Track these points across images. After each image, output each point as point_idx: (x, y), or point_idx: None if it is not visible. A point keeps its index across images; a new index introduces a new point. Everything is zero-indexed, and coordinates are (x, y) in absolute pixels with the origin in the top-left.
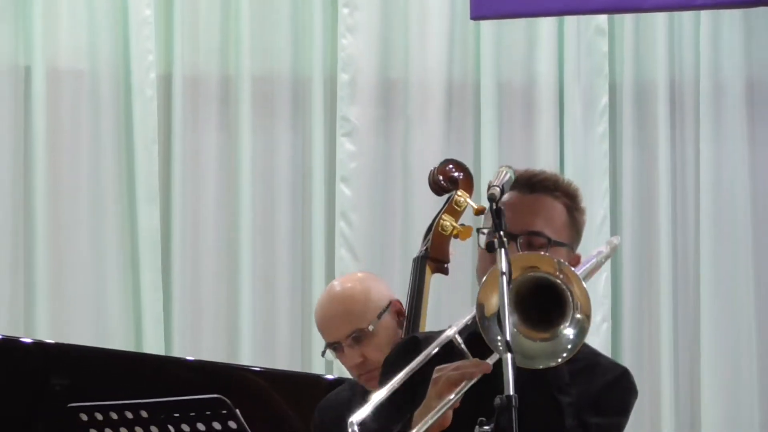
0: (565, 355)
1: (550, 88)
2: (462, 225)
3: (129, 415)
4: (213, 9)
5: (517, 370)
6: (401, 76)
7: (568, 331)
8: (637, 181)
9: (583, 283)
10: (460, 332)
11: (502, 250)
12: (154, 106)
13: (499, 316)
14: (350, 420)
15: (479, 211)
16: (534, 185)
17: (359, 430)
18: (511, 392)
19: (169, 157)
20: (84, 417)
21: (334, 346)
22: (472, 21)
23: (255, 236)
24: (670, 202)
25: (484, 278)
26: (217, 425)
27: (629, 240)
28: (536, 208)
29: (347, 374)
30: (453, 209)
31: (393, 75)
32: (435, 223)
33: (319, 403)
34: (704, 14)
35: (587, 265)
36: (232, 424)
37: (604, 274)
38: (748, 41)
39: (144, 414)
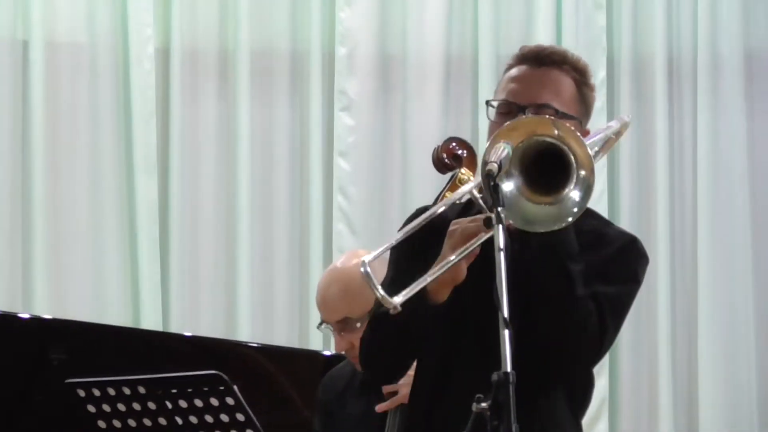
0: (570, 218)
1: None
2: None
3: (126, 390)
4: None
5: (527, 239)
6: (399, 50)
7: (574, 194)
8: (635, 154)
9: (581, 139)
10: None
11: (500, 226)
12: (152, 80)
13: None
14: (362, 260)
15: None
16: (542, 59)
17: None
18: (509, 369)
19: (167, 130)
20: (81, 393)
21: (327, 324)
22: None
23: (253, 210)
24: (668, 176)
25: (492, 137)
26: (214, 401)
27: (627, 213)
28: (544, 81)
29: None
30: (456, 187)
31: (391, 49)
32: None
33: (321, 379)
34: None
35: (595, 138)
36: (230, 400)
37: None
38: (746, 15)
39: (141, 390)
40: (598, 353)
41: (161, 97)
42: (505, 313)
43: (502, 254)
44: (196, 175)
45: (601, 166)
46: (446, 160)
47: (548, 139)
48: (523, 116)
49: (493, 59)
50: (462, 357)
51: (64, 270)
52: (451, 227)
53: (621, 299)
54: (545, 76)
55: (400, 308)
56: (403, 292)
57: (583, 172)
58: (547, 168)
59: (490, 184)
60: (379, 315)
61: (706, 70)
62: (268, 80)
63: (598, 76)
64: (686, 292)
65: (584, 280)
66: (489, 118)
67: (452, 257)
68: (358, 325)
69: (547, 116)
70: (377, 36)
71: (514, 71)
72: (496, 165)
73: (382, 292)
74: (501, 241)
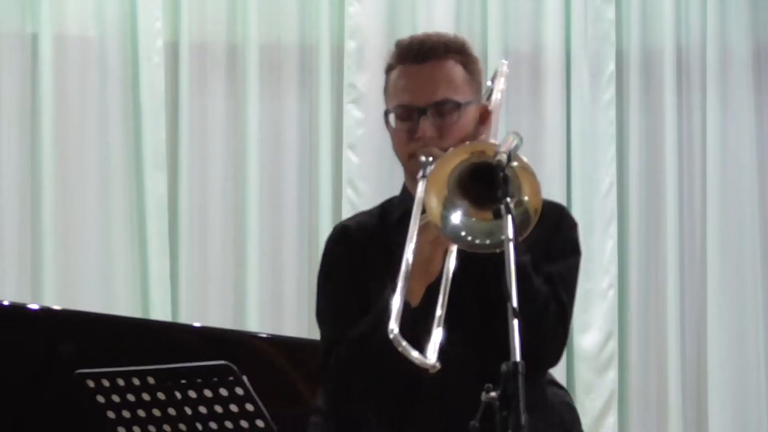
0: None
1: (557, 56)
2: None
3: (136, 381)
4: None
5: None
6: None
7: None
8: (644, 148)
9: (485, 144)
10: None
11: (509, 216)
12: (162, 74)
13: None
14: (391, 328)
15: None
16: (425, 54)
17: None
18: (518, 359)
19: (176, 124)
20: (91, 383)
21: None
22: None
23: (262, 204)
24: (677, 169)
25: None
26: (224, 391)
27: (636, 206)
28: (435, 77)
29: None
30: None
31: None
32: None
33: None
34: None
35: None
36: (239, 391)
37: (610, 241)
38: (755, 8)
39: (151, 380)
40: (565, 335)
41: (170, 91)
42: (515, 302)
43: (511, 244)
44: (205, 169)
45: (609, 160)
46: None
47: (468, 161)
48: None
49: (502, 53)
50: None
51: (73, 265)
52: (422, 222)
53: (570, 272)
54: (434, 71)
55: (439, 366)
56: (430, 350)
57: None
58: (482, 185)
59: (500, 174)
60: (352, 342)
61: (715, 64)
62: (277, 74)
63: (607, 70)
64: (695, 283)
65: (534, 265)
66: (390, 127)
67: (433, 249)
68: None
69: (464, 144)
70: (386, 30)
71: (399, 72)
72: (505, 155)
73: (417, 355)
74: (510, 231)
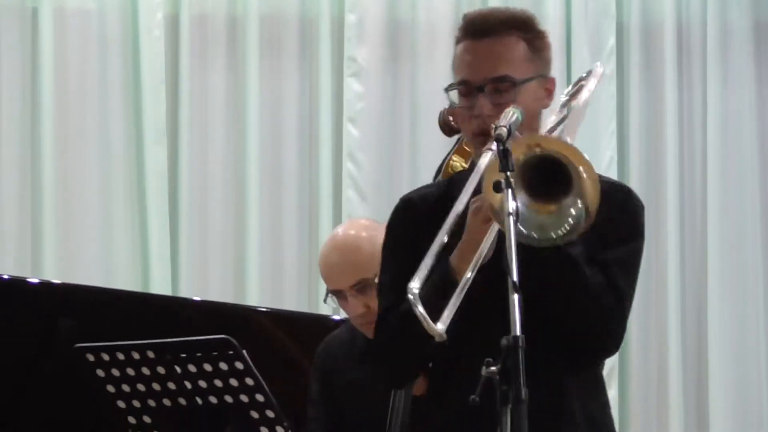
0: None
1: (557, 29)
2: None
3: (136, 355)
4: None
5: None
6: (408, 16)
7: (574, 206)
8: (645, 122)
9: (562, 136)
10: None
11: (509, 190)
12: (162, 47)
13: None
14: (410, 286)
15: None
16: (486, 30)
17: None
18: (518, 332)
19: (177, 97)
20: (91, 357)
21: (336, 293)
22: None
23: (262, 177)
24: (678, 144)
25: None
26: (223, 366)
27: (636, 181)
28: (494, 53)
29: None
30: (463, 150)
31: (400, 15)
32: (444, 164)
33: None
34: None
35: (569, 89)
36: (239, 365)
37: None
38: None
39: (151, 354)
40: (622, 323)
41: (170, 64)
42: (515, 277)
43: (511, 219)
44: (205, 143)
45: (610, 134)
46: (452, 123)
47: (537, 152)
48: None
49: None
50: (480, 330)
51: (73, 239)
52: (474, 204)
53: (630, 258)
54: (493, 46)
55: (445, 336)
56: (444, 317)
57: (582, 176)
58: (547, 177)
59: (500, 148)
60: (402, 315)
61: (716, 38)
62: (277, 47)
63: (607, 45)
64: (696, 260)
65: (588, 247)
66: (453, 103)
67: (486, 231)
68: (376, 279)
69: (519, 137)
70: (386, 2)
71: (462, 47)
72: (505, 129)
73: (431, 323)
74: (510, 205)
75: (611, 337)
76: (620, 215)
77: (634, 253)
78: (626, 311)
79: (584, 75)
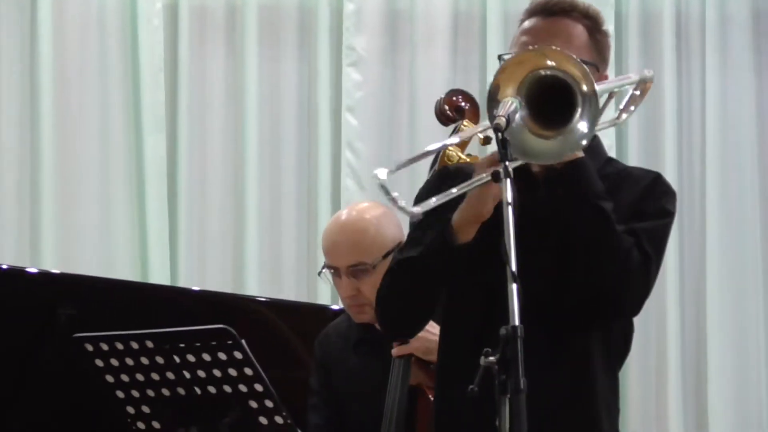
0: (584, 141)
1: None
2: (468, 155)
3: (134, 345)
4: None
5: (554, 187)
6: (407, 5)
7: (581, 125)
8: (643, 111)
9: (576, 60)
10: None
11: (508, 180)
12: (161, 36)
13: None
14: (376, 173)
15: (485, 141)
16: (551, 9)
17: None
18: (517, 323)
19: (176, 86)
20: (89, 347)
21: (333, 269)
22: None
23: (261, 165)
24: (676, 133)
25: (508, 59)
26: (222, 355)
27: None
28: (554, 30)
29: None
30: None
31: (399, 5)
32: (440, 154)
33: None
34: None
35: (610, 84)
36: (238, 354)
37: None
38: None
39: (149, 344)
40: (647, 285)
41: (169, 52)
42: (513, 267)
43: (510, 209)
44: (204, 131)
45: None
46: (449, 112)
47: (549, 72)
48: (512, 55)
49: (501, 15)
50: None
51: (72, 227)
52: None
53: (658, 231)
54: (555, 25)
55: (422, 216)
56: (424, 204)
57: (585, 89)
58: (552, 101)
59: (499, 137)
60: (400, 261)
61: (715, 27)
62: (276, 36)
63: None
64: (695, 247)
65: (618, 219)
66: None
67: (483, 174)
68: (373, 266)
69: (536, 47)
70: None
71: (525, 24)
72: (504, 119)
73: (402, 203)
74: (509, 195)
75: (633, 294)
76: (650, 194)
77: (662, 228)
78: (651, 276)
79: (636, 91)
